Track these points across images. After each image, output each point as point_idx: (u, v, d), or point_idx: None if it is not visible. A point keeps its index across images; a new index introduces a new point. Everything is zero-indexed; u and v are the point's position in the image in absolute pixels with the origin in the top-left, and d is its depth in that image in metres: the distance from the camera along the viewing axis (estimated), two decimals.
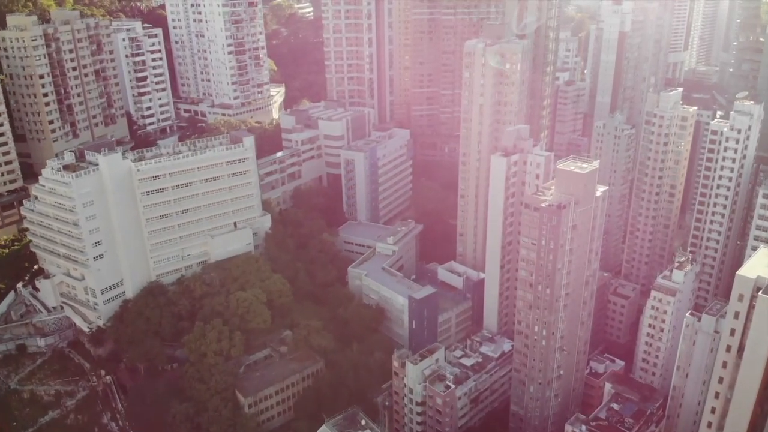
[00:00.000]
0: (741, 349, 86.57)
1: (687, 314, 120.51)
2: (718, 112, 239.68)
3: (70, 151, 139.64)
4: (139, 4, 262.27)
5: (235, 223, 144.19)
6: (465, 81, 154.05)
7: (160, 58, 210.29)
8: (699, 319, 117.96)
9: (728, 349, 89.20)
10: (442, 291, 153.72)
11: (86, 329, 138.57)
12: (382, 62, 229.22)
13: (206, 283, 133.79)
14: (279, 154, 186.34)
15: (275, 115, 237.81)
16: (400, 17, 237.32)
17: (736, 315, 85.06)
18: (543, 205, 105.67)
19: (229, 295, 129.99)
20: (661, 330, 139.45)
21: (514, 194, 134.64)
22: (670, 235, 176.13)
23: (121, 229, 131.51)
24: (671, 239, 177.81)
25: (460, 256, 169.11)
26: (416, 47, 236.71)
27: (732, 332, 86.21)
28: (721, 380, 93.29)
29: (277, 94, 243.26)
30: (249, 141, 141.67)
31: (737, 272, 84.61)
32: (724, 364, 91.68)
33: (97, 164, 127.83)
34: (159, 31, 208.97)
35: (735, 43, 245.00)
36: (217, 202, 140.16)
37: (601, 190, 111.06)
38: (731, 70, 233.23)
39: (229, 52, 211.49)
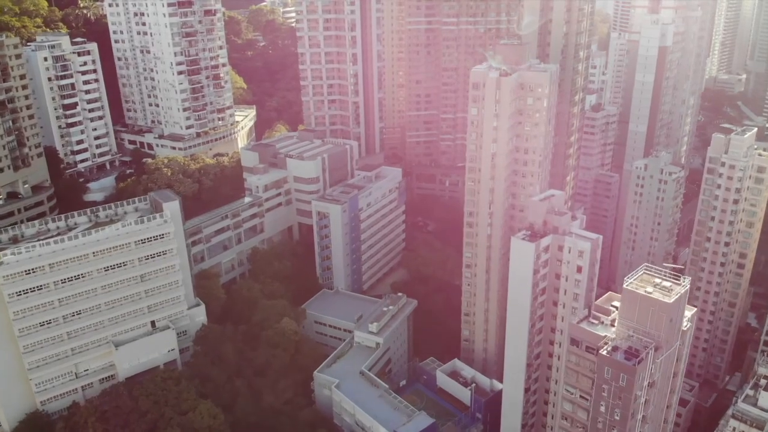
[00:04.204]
0: None
1: None
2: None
3: None
4: (86, 12, 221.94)
5: (153, 323, 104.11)
6: (472, 120, 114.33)
7: (95, 80, 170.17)
8: None
9: None
10: (443, 403, 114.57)
11: None
12: (370, 82, 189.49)
13: (100, 421, 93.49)
14: (242, 201, 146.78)
15: (242, 144, 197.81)
16: (392, 27, 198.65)
17: None
18: (604, 351, 65.63)
19: None
20: None
21: (544, 291, 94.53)
22: (737, 315, 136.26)
23: None
24: (738, 319, 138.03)
25: (465, 341, 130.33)
26: (411, 62, 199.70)
27: None
28: None
29: (245, 118, 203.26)
30: (171, 208, 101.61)
31: None
32: None
33: None
34: (93, 46, 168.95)
35: None
36: (124, 297, 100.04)
37: (688, 315, 70.95)
38: None
39: (179, 72, 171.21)
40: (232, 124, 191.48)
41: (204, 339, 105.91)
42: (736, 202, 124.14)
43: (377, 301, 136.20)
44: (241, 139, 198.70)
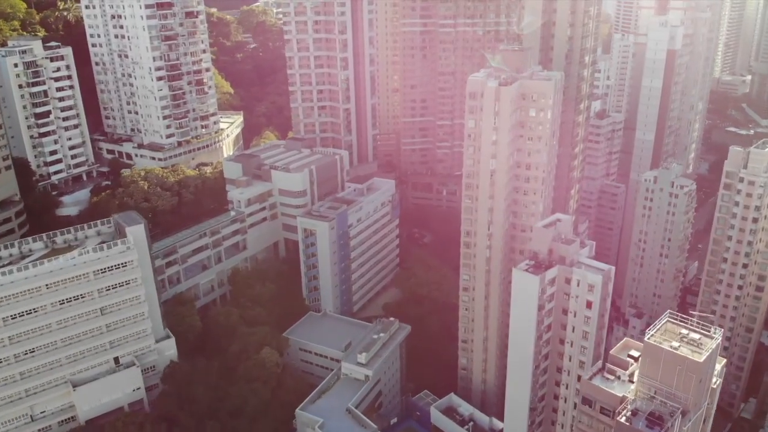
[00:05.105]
0: None
1: None
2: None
3: None
4: (65, 14, 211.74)
5: (116, 359, 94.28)
6: (469, 133, 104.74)
7: (70, 86, 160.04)
8: None
9: None
10: None
11: None
12: (362, 87, 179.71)
13: None
14: (223, 216, 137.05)
15: (228, 152, 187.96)
16: (386, 29, 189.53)
17: None
18: (622, 417, 55.82)
19: None
20: None
21: (550, 328, 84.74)
22: (754, 340, 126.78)
23: None
24: (755, 344, 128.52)
25: (462, 370, 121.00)
26: (406, 67, 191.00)
27: None
28: None
29: (231, 125, 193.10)
30: (135, 233, 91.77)
31: None
32: None
33: None
34: (68, 51, 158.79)
35: None
36: (83, 332, 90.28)
37: (718, 368, 61.16)
38: None
39: (159, 78, 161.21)
40: (216, 132, 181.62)
41: (172, 378, 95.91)
42: (755, 220, 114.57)
43: (368, 325, 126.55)
44: (227, 147, 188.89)
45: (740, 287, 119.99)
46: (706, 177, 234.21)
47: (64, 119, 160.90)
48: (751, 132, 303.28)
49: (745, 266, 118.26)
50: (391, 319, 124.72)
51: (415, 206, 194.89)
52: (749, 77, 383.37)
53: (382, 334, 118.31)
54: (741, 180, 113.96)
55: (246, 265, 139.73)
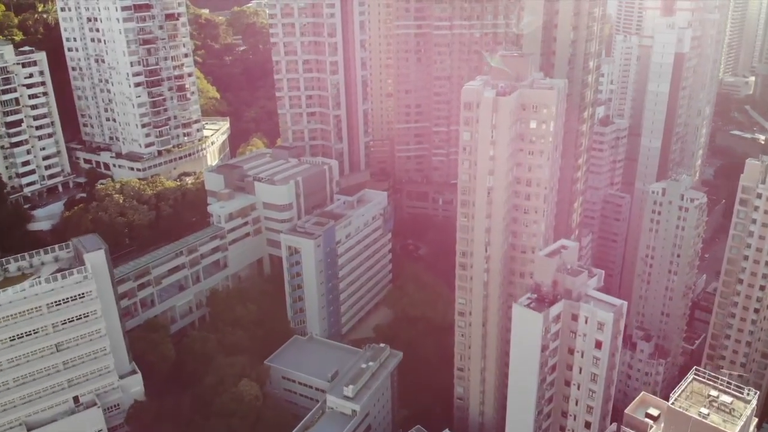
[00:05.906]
0: None
1: None
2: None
3: None
4: (45, 16, 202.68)
5: (75, 399, 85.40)
6: (464, 146, 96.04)
7: (44, 93, 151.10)
8: None
9: None
10: None
11: None
12: (353, 93, 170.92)
13: None
14: (204, 231, 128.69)
15: (214, 161, 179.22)
16: (379, 32, 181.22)
17: None
18: None
19: None
20: None
21: (554, 368, 75.94)
22: None
23: None
24: None
25: (459, 399, 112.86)
26: (400, 71, 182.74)
27: None
28: None
29: (217, 132, 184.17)
30: (94, 260, 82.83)
31: None
32: None
33: None
34: (41, 56, 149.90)
35: None
36: (38, 371, 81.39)
37: (751, 429, 52.46)
38: None
39: (137, 84, 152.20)
40: (200, 140, 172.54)
41: (136, 419, 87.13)
42: None
43: (357, 351, 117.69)
44: (212, 156, 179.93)
45: (756, 310, 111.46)
46: (711, 182, 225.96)
47: (38, 128, 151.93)
48: (757, 136, 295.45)
49: (762, 288, 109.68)
50: (382, 345, 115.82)
51: (409, 216, 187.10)
52: (752, 78, 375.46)
53: (371, 363, 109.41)
54: (759, 196, 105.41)
55: (227, 283, 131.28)
